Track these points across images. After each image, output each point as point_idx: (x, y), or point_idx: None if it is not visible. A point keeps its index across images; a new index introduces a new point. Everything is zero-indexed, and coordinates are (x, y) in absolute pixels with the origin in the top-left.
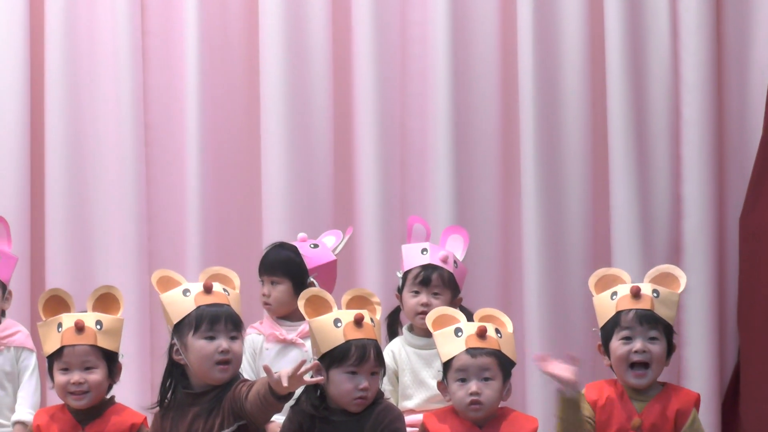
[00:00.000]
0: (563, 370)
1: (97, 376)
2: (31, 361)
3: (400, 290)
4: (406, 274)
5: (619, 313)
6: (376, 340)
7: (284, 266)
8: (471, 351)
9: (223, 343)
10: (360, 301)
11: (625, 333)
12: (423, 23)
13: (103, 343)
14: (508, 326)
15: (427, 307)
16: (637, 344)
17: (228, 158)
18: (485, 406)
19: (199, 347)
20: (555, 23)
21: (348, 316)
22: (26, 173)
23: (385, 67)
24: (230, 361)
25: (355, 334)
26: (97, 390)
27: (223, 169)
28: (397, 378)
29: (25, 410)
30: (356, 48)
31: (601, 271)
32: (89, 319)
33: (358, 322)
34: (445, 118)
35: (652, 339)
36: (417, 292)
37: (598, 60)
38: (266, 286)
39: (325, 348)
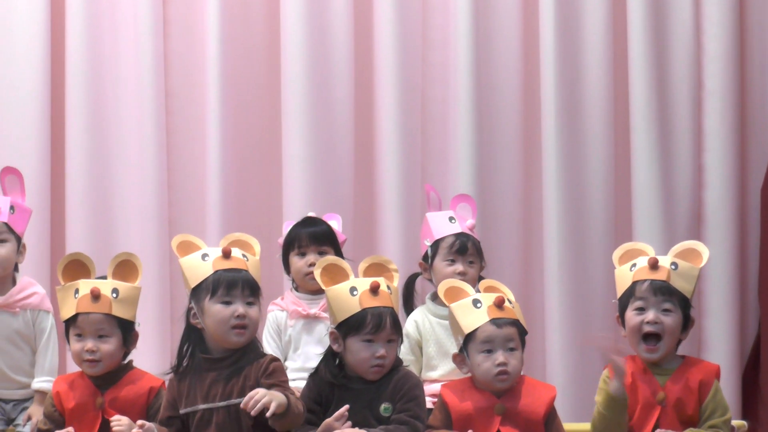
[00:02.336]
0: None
1: (110, 345)
2: (47, 323)
3: (427, 259)
4: (436, 242)
5: (634, 284)
6: (392, 308)
7: (329, 236)
8: (496, 321)
9: (239, 308)
10: (377, 268)
11: (639, 303)
12: None
13: (118, 311)
14: (511, 296)
15: (464, 276)
16: (650, 315)
17: (249, 126)
18: (512, 376)
19: (216, 311)
20: None
21: (364, 284)
22: (47, 141)
23: (406, 35)
24: (246, 326)
25: (371, 302)
26: (110, 359)
27: (244, 136)
28: (420, 348)
29: (42, 378)
30: (377, 16)
31: (627, 245)
32: (105, 287)
33: (374, 290)
34: (466, 87)
35: (666, 311)
36: (453, 261)
37: (619, 30)
38: (311, 256)
39: (342, 316)
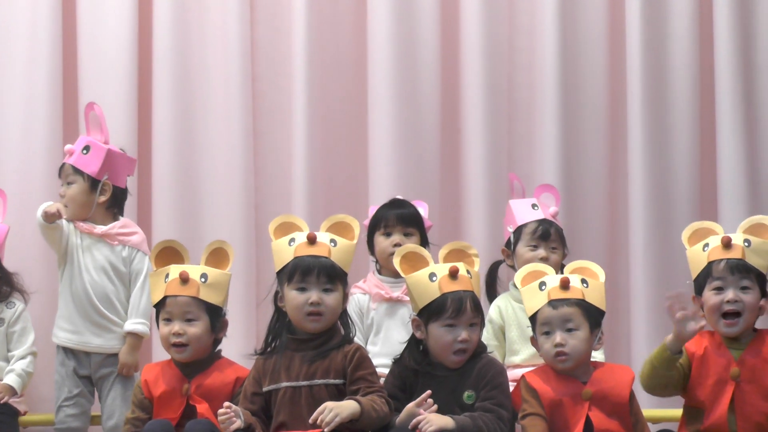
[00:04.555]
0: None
1: (196, 329)
2: (143, 265)
3: (510, 246)
4: (519, 229)
5: (710, 264)
6: (473, 292)
7: (416, 219)
8: (552, 303)
9: (313, 295)
10: (458, 254)
11: (717, 283)
12: None
13: (206, 296)
14: (600, 276)
15: (546, 261)
16: (729, 294)
17: (335, 110)
18: (571, 357)
19: (292, 297)
20: None
21: (443, 269)
22: (134, 125)
23: (493, 21)
24: (322, 312)
25: (451, 287)
26: (198, 343)
27: (330, 121)
28: (504, 334)
29: (136, 320)
30: (464, 3)
31: (695, 225)
32: (194, 271)
33: (453, 274)
34: (552, 73)
35: (744, 288)
36: (535, 247)
37: (705, 16)
38: (397, 236)
39: (422, 303)
